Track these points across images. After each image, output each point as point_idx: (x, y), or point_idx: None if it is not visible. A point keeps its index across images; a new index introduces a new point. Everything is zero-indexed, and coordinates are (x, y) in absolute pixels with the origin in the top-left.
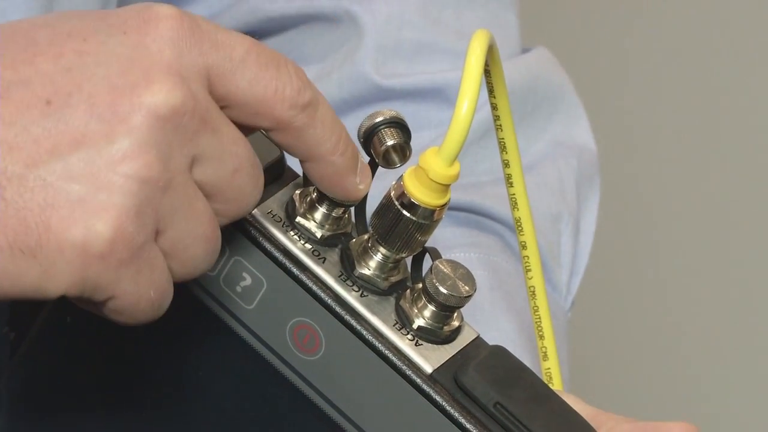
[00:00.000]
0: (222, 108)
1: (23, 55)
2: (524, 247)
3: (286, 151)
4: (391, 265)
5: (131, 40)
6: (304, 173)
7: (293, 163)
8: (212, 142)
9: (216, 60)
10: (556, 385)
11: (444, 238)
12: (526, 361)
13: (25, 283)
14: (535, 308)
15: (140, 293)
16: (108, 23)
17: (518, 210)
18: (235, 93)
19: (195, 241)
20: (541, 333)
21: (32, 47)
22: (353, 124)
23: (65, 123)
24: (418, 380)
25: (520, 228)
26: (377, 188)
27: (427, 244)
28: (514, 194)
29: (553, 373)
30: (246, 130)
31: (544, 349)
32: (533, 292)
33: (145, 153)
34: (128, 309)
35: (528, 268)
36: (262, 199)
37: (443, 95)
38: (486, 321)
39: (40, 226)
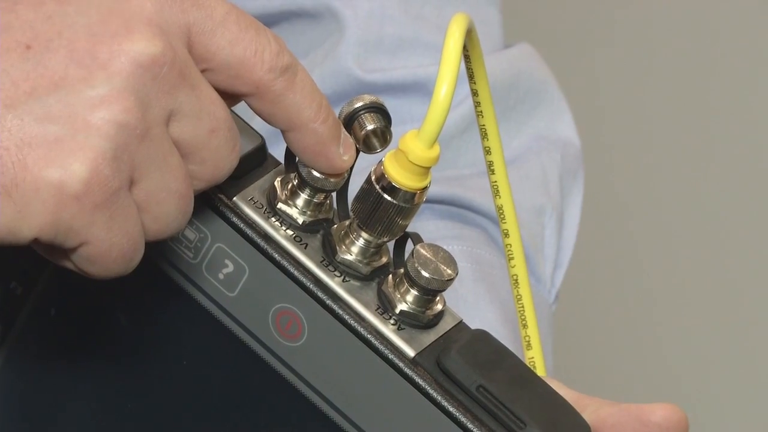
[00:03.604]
0: (202, 72)
1: (4, 3)
2: (506, 235)
3: (267, 121)
4: (373, 250)
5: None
6: (285, 158)
7: (275, 151)
8: (190, 99)
9: (197, 18)
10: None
11: (427, 231)
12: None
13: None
14: (518, 297)
15: (113, 241)
16: None
17: (500, 197)
18: (215, 53)
19: (168, 196)
20: (524, 322)
21: None
22: None
23: (44, 66)
24: (401, 364)
25: (502, 216)
26: (356, 183)
27: (408, 230)
28: (495, 181)
29: (536, 362)
30: (226, 98)
31: (527, 338)
32: (516, 280)
33: (124, 99)
34: (100, 258)
35: (511, 256)
36: (244, 186)
37: (425, 89)
38: (469, 312)
39: (16, 165)
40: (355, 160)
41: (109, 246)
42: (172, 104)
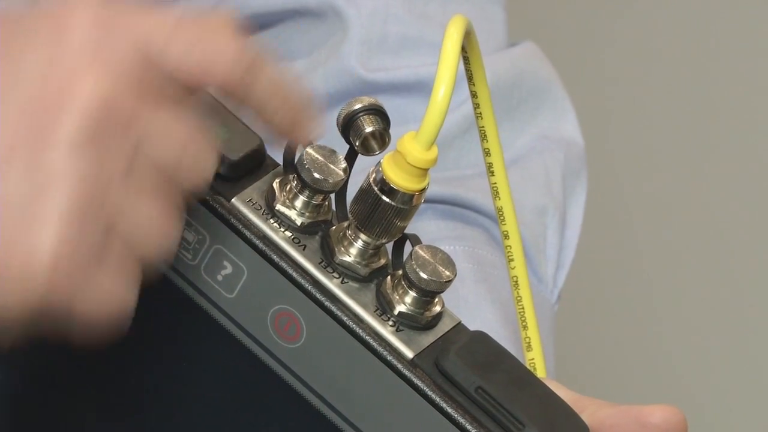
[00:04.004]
0: (162, 78)
1: None
2: (506, 236)
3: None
4: (371, 251)
5: (45, 54)
6: (284, 159)
7: (273, 152)
8: (153, 124)
9: (147, 30)
10: (540, 376)
11: (428, 231)
12: (511, 353)
13: None
14: (518, 298)
15: (100, 304)
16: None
17: (500, 199)
18: (172, 63)
19: (151, 228)
20: (524, 323)
21: None
22: None
23: None
24: (399, 366)
25: (501, 217)
26: (355, 185)
27: (409, 231)
28: (495, 183)
29: (537, 364)
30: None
31: (527, 340)
32: (516, 282)
33: (81, 157)
34: (93, 320)
35: (510, 258)
36: (243, 188)
37: (428, 89)
38: (471, 313)
39: None
40: (353, 162)
41: (97, 309)
42: (134, 138)
